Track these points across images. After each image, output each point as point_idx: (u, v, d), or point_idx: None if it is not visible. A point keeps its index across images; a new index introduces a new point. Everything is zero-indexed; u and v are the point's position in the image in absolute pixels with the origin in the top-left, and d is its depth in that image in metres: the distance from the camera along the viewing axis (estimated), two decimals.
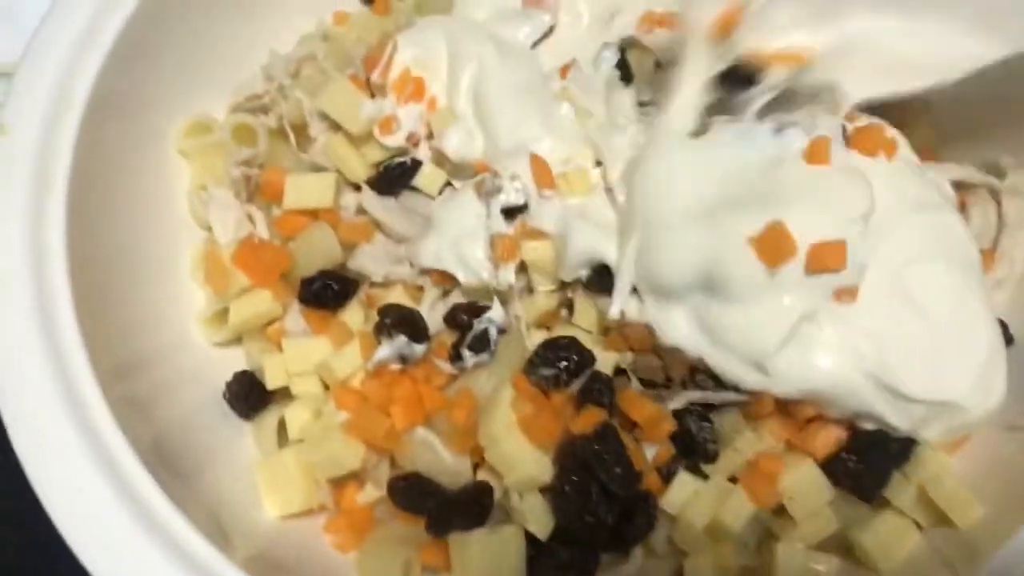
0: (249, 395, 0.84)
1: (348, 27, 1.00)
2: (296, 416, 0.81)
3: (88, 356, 0.71)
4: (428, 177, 0.85)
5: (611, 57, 0.88)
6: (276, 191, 0.86)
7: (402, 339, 0.77)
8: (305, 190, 0.85)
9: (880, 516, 0.75)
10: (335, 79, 0.88)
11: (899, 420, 0.71)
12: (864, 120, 0.78)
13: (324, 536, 0.79)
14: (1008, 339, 0.78)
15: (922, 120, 0.87)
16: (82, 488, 0.65)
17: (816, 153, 0.72)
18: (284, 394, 0.84)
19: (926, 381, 0.70)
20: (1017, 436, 0.76)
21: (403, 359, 0.78)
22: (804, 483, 0.72)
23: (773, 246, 0.68)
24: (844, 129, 0.76)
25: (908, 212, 0.74)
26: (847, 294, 0.70)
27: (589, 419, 0.71)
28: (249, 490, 0.80)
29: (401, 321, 0.77)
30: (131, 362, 0.78)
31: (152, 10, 0.84)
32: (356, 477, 0.79)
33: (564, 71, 0.85)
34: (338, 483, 0.79)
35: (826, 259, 0.68)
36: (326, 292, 0.82)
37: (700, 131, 0.76)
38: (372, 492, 0.78)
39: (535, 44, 0.91)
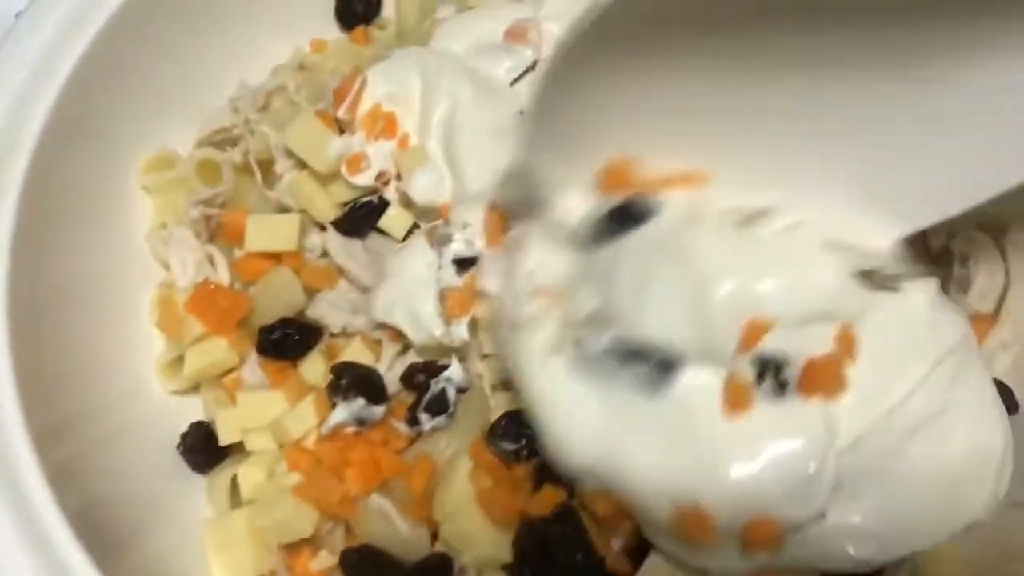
0: (204, 448, 0.80)
1: (325, 56, 0.96)
2: (249, 475, 0.76)
3: (23, 409, 0.66)
4: (394, 219, 0.80)
5: None
6: (238, 233, 0.81)
7: (360, 401, 0.72)
8: (268, 232, 0.80)
9: None
10: (302, 114, 0.83)
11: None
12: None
13: None
14: (1012, 407, 0.72)
15: None
16: (2, 562, 0.61)
17: (735, 401, 0.60)
18: (242, 448, 0.79)
19: (942, 522, 0.62)
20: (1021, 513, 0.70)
21: (360, 422, 0.73)
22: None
23: (692, 530, 0.59)
24: (775, 367, 0.60)
25: (904, 383, 0.62)
26: (813, 523, 0.61)
27: (548, 499, 0.66)
28: (199, 552, 0.75)
29: (358, 382, 0.72)
30: (77, 412, 0.74)
31: (115, 36, 0.80)
32: (310, 542, 0.74)
33: None
34: (291, 548, 0.74)
35: (758, 541, 0.59)
36: (286, 342, 0.78)
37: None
38: (327, 558, 0.73)
39: (515, 81, 0.86)
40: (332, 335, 0.80)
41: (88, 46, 0.78)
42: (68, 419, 0.73)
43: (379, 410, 0.72)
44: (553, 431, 0.65)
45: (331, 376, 0.74)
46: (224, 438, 0.78)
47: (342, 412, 0.72)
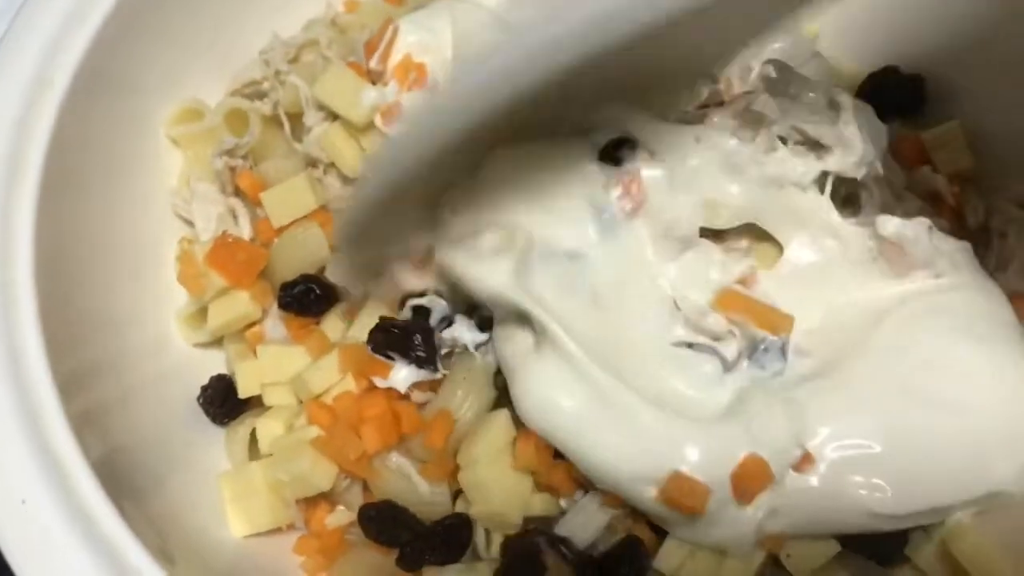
0: (225, 401, 0.79)
1: (358, 15, 0.94)
2: (268, 428, 0.75)
3: (48, 355, 0.65)
4: None
5: None
6: (256, 193, 0.81)
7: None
8: (284, 203, 0.80)
9: (897, 574, 0.67)
10: (333, 65, 0.82)
11: (929, 521, 0.65)
12: None
13: (293, 557, 0.74)
14: None
15: (958, 145, 0.83)
16: (24, 498, 0.60)
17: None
18: (261, 402, 0.79)
19: (967, 481, 0.63)
20: None
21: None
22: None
23: (680, 497, 0.61)
24: None
25: (904, 307, 0.66)
26: (805, 462, 0.63)
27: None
28: (217, 503, 0.75)
29: (425, 340, 0.71)
30: (99, 362, 0.74)
31: None
32: (327, 497, 0.74)
33: None
34: (309, 502, 0.74)
35: (750, 484, 0.61)
36: (307, 297, 0.77)
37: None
38: (344, 514, 0.73)
39: None
40: None
41: None
42: (91, 367, 0.72)
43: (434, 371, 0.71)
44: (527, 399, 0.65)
45: (381, 334, 0.71)
46: (244, 391, 0.78)
47: (409, 372, 0.71)
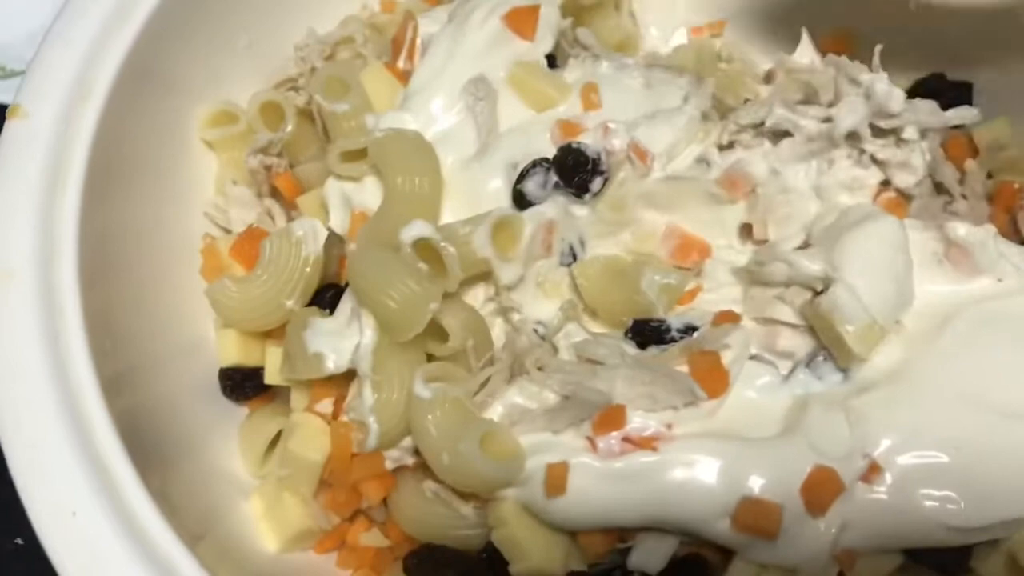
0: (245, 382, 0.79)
1: (395, 16, 0.93)
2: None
3: (94, 365, 0.65)
4: None
5: None
6: (291, 195, 0.81)
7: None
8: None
9: None
10: (372, 64, 0.81)
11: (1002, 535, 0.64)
12: None
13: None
14: None
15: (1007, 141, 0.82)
16: (75, 511, 0.59)
17: None
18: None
19: None
20: None
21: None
22: None
23: (754, 521, 0.61)
24: None
25: (967, 312, 0.66)
26: (872, 472, 0.62)
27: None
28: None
29: None
30: (141, 368, 0.73)
31: None
32: (364, 514, 0.73)
33: None
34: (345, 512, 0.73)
35: (821, 495, 0.61)
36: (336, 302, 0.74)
37: None
38: (377, 537, 0.73)
39: None
40: None
41: None
42: (134, 372, 0.71)
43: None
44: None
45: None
46: (270, 377, 0.76)
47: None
